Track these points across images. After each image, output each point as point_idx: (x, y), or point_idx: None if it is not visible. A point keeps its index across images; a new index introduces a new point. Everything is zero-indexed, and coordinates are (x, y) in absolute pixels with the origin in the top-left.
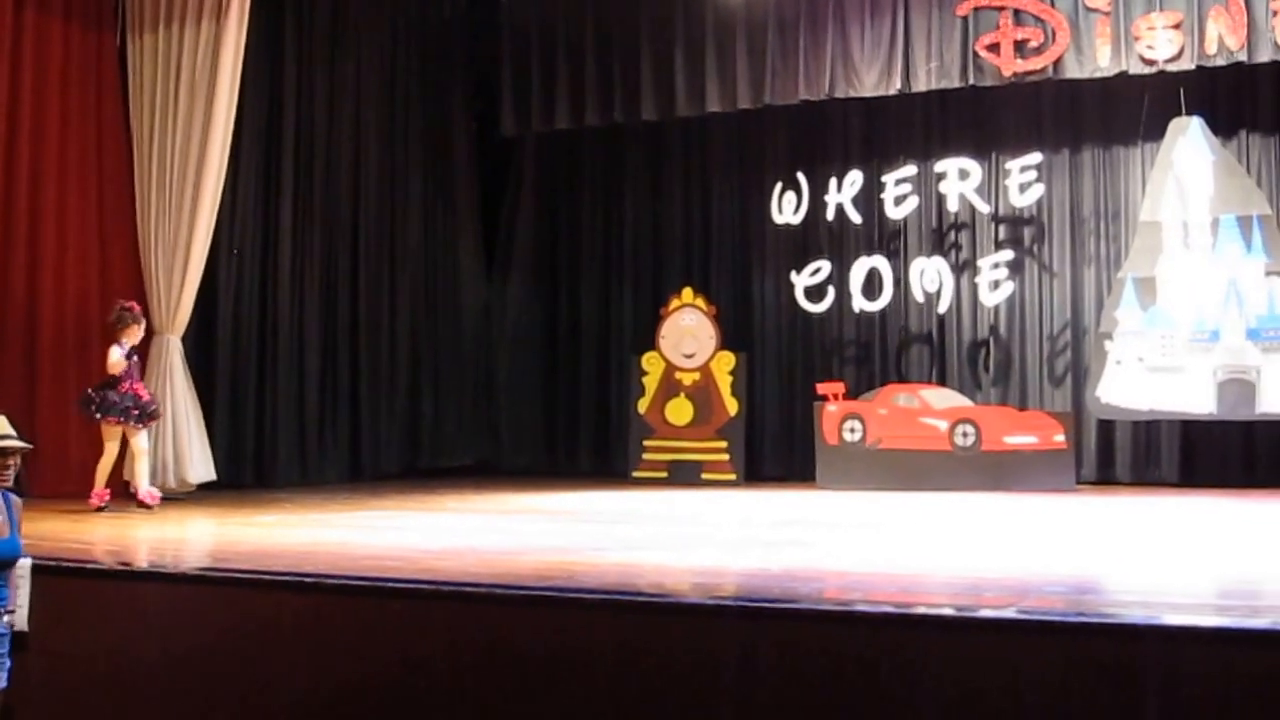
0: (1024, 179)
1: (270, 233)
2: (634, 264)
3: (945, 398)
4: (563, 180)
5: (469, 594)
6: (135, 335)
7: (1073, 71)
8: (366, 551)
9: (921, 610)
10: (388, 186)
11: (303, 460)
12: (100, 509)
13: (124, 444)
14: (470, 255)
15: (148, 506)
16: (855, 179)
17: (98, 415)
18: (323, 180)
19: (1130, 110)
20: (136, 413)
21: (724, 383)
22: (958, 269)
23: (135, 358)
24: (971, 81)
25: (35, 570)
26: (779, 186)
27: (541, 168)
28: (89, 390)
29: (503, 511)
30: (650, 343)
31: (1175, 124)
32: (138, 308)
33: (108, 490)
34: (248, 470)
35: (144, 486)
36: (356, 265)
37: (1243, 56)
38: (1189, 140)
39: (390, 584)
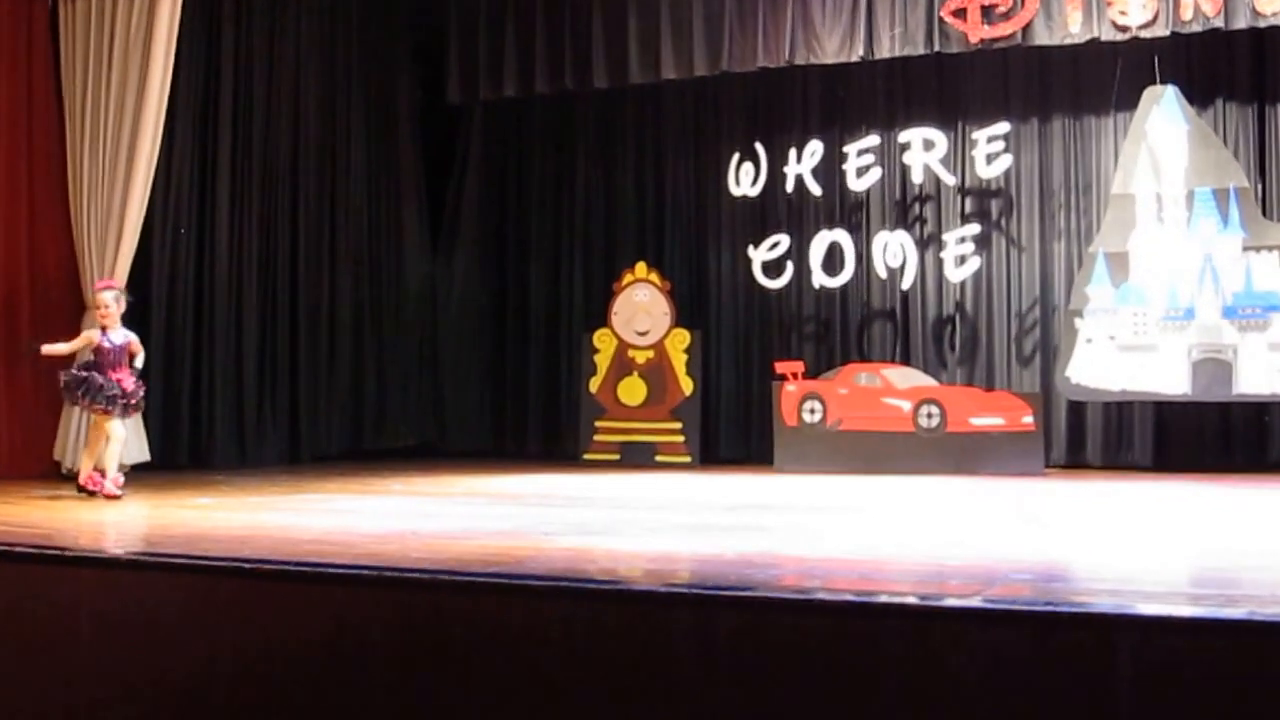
0: (991, 149)
1: (206, 204)
2: (585, 237)
3: (908, 377)
4: (511, 150)
5: (412, 580)
6: (103, 316)
7: (1042, 38)
8: (307, 535)
9: (884, 598)
10: (328, 157)
11: (240, 441)
12: (116, 496)
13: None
14: (414, 228)
15: (115, 496)
16: (815, 149)
17: (84, 402)
18: (261, 150)
19: (1102, 79)
20: (122, 402)
21: (679, 361)
22: (922, 243)
23: (127, 340)
24: (937, 48)
25: None
26: (736, 157)
27: (489, 137)
28: (74, 371)
29: (448, 495)
30: (602, 319)
31: (1149, 93)
32: (103, 283)
33: (120, 475)
34: (183, 451)
35: (111, 473)
36: (296, 238)
37: (1219, 23)
38: (1163, 110)
39: (331, 569)
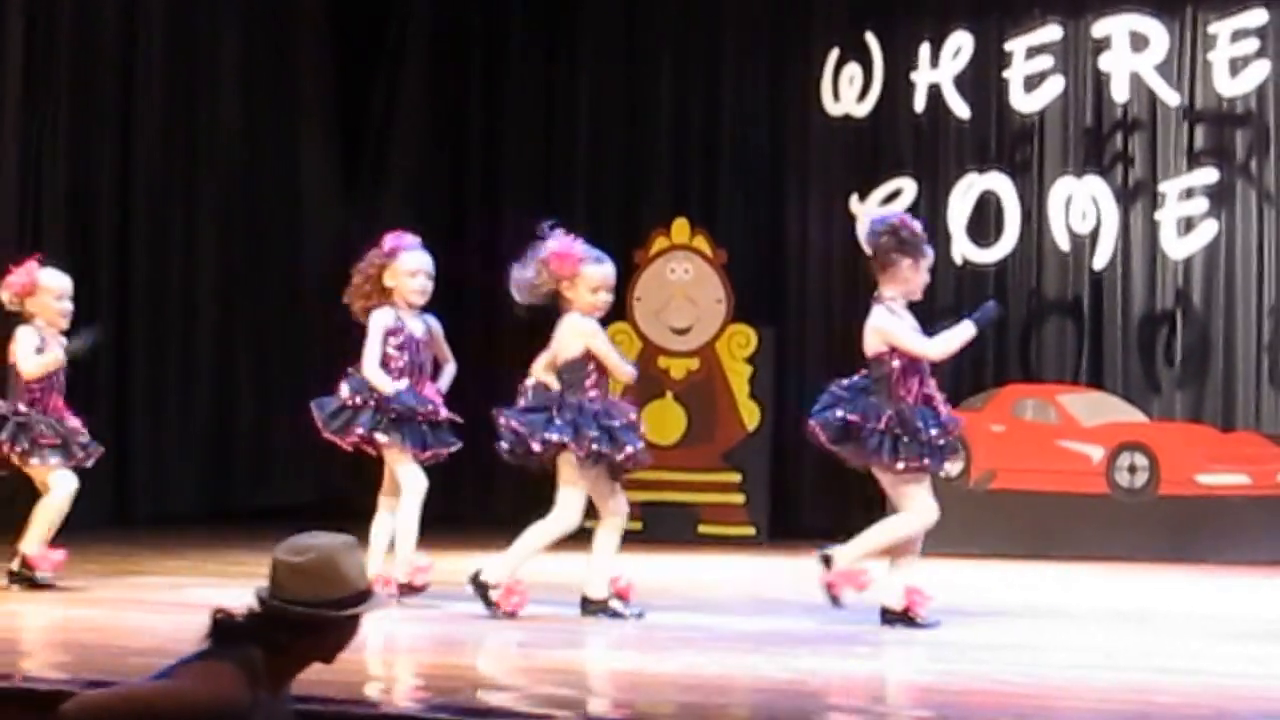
0: (1238, 50)
1: None
2: (592, 176)
3: (1100, 408)
4: (478, 38)
5: (314, 715)
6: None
7: None
8: (141, 643)
9: None
10: (185, 43)
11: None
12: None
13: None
14: (318, 158)
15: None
16: (961, 46)
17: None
18: (71, 36)
19: None
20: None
21: (738, 377)
22: (1126, 197)
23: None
24: None
25: None
26: (835, 55)
27: (440, 16)
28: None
29: None
30: (616, 309)
31: None
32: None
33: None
34: None
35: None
36: (128, 175)
37: None
38: None
39: None
